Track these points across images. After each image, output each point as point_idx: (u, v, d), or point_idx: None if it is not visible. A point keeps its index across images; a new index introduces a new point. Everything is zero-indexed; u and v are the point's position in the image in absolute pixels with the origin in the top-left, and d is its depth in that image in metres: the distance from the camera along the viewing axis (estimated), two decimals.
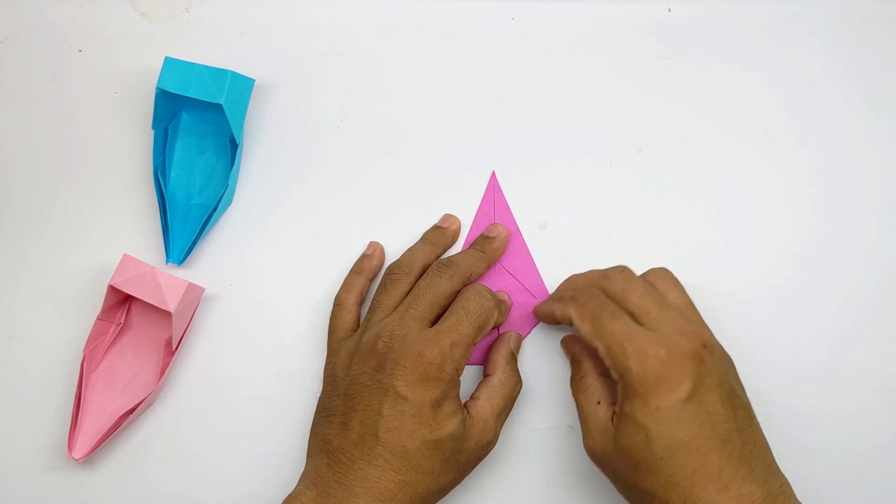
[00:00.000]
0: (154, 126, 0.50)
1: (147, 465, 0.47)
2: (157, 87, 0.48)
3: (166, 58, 0.48)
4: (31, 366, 0.49)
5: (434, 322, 0.44)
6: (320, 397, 0.45)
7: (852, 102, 0.52)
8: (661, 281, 0.45)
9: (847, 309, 0.49)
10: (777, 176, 0.51)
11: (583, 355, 0.45)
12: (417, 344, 0.42)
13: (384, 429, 0.41)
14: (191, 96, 0.48)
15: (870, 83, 0.52)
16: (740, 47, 0.53)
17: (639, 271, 0.50)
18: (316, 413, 0.45)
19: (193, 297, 0.47)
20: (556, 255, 0.50)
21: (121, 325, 0.48)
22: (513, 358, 0.46)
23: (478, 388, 0.45)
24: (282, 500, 0.42)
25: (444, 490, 0.43)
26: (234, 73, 0.48)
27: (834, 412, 0.48)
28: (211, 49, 0.52)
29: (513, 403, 0.45)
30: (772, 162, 0.51)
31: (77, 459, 0.46)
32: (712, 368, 0.40)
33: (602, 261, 0.50)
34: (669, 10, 0.54)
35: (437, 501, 0.43)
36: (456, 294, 0.46)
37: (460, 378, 0.43)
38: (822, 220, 0.50)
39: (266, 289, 0.50)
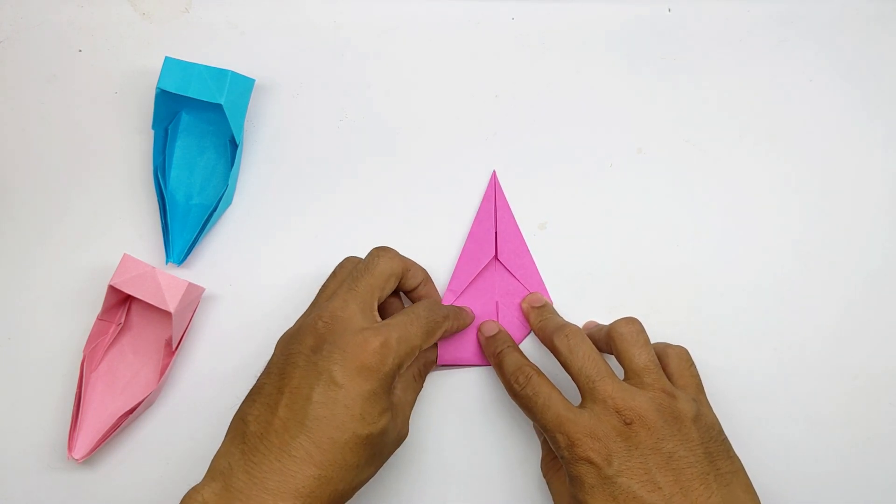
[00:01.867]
0: (154, 126, 0.50)
1: (147, 465, 0.47)
2: (157, 87, 0.48)
3: (166, 58, 0.48)
4: (31, 366, 0.48)
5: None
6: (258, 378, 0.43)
7: (852, 102, 0.52)
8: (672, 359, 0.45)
9: (846, 308, 0.49)
10: (777, 175, 0.51)
11: None
12: (362, 331, 0.40)
13: (312, 416, 0.38)
14: (191, 96, 0.48)
15: (869, 83, 0.52)
16: (740, 47, 0.53)
17: (639, 274, 0.50)
18: (248, 393, 0.42)
19: (193, 297, 0.47)
20: (556, 255, 0.50)
21: (121, 325, 0.48)
22: (426, 370, 0.47)
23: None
24: (185, 492, 0.39)
25: (362, 485, 0.41)
26: (234, 73, 0.48)
27: (833, 411, 0.48)
28: (211, 49, 0.52)
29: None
30: (772, 161, 0.51)
31: (77, 459, 0.46)
32: (643, 440, 0.40)
33: (602, 261, 0.50)
34: (669, 10, 0.54)
35: (351, 497, 0.41)
36: (394, 282, 0.44)
37: (397, 377, 0.41)
38: (821, 220, 0.51)
39: (266, 289, 0.50)
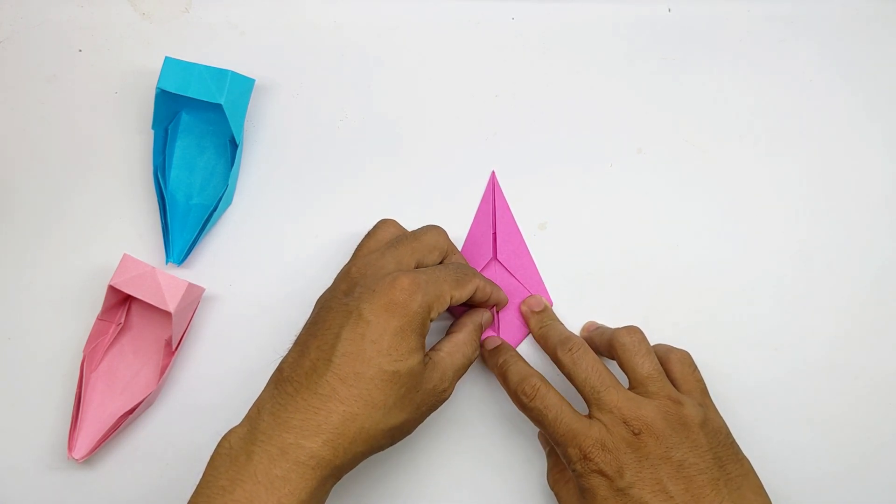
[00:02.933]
0: (154, 126, 0.50)
1: (147, 465, 0.47)
2: (157, 87, 0.48)
3: (166, 58, 0.48)
4: (31, 366, 0.49)
5: None
6: None
7: (851, 102, 0.52)
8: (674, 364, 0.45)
9: (847, 308, 0.49)
10: (777, 175, 0.51)
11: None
12: (392, 273, 0.41)
13: (339, 353, 0.39)
14: (191, 96, 0.48)
15: (869, 83, 0.52)
16: (740, 47, 0.53)
17: (640, 274, 0.50)
18: None
19: (193, 297, 0.47)
20: (556, 255, 0.50)
21: (121, 325, 0.48)
22: (479, 328, 0.46)
23: (440, 342, 0.44)
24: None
25: (395, 433, 0.40)
26: (234, 73, 0.48)
27: (833, 412, 0.48)
28: (211, 49, 0.52)
29: (469, 366, 0.44)
30: (772, 161, 0.51)
31: (77, 459, 0.46)
32: (653, 450, 0.40)
33: (602, 261, 0.50)
34: (669, 10, 0.54)
35: (385, 446, 0.41)
36: (438, 256, 0.45)
37: (430, 323, 0.41)
38: (821, 220, 0.51)
39: (266, 289, 0.50)
